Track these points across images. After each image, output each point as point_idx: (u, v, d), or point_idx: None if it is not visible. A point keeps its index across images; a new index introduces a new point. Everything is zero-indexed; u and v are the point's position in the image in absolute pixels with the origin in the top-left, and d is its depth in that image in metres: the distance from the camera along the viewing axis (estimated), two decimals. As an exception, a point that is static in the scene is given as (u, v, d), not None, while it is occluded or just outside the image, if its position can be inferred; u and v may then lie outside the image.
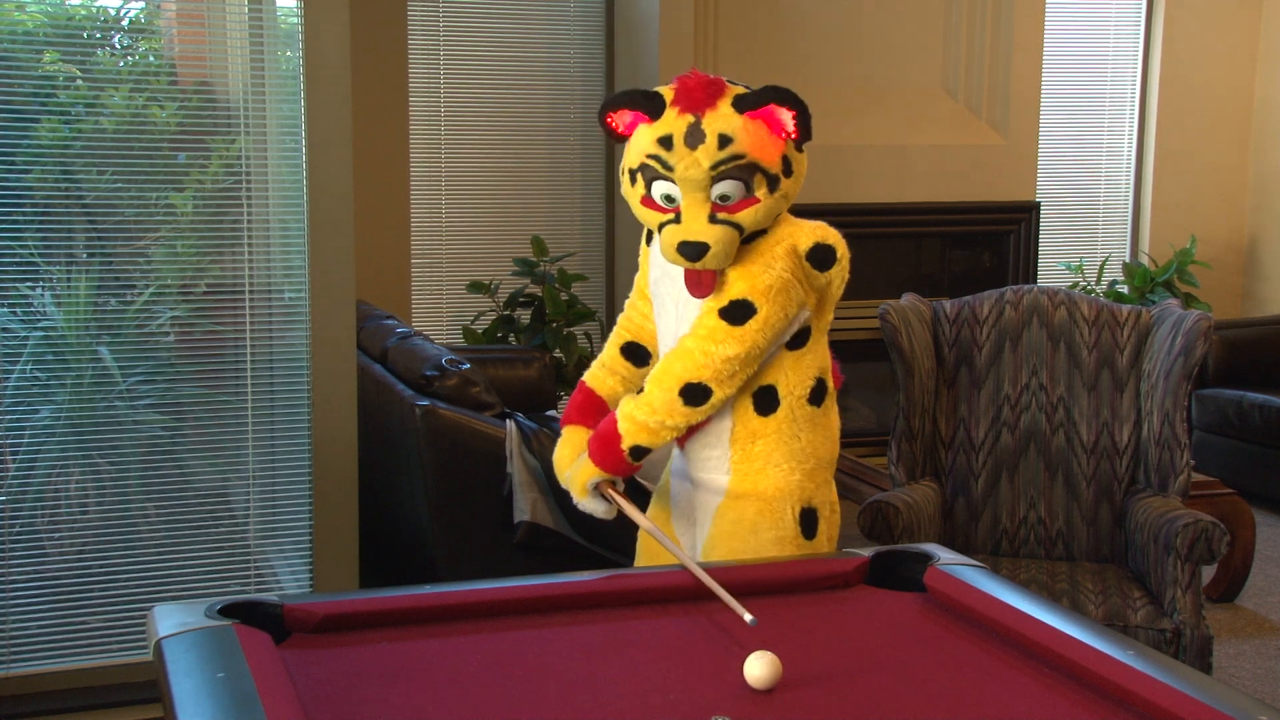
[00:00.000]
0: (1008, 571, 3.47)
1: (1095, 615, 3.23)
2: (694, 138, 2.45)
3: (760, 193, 2.48)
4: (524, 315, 5.89)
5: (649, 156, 2.50)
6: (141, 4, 3.60)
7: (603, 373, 2.77)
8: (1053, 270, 7.00)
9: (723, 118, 2.46)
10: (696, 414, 2.50)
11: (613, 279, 6.36)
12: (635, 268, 2.82)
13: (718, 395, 2.49)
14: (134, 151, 3.46)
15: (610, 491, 2.58)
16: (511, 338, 5.83)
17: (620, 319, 2.82)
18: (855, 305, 6.27)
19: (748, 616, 2.03)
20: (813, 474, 2.60)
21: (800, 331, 2.56)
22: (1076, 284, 6.76)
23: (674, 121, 2.48)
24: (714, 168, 2.45)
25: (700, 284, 2.52)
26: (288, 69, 3.46)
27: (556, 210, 6.32)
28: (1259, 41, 7.22)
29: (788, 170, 2.51)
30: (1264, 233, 7.24)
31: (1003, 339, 3.77)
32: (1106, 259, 7.00)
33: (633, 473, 2.59)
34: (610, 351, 2.79)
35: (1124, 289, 6.89)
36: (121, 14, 3.63)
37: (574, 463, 2.62)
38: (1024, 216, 6.34)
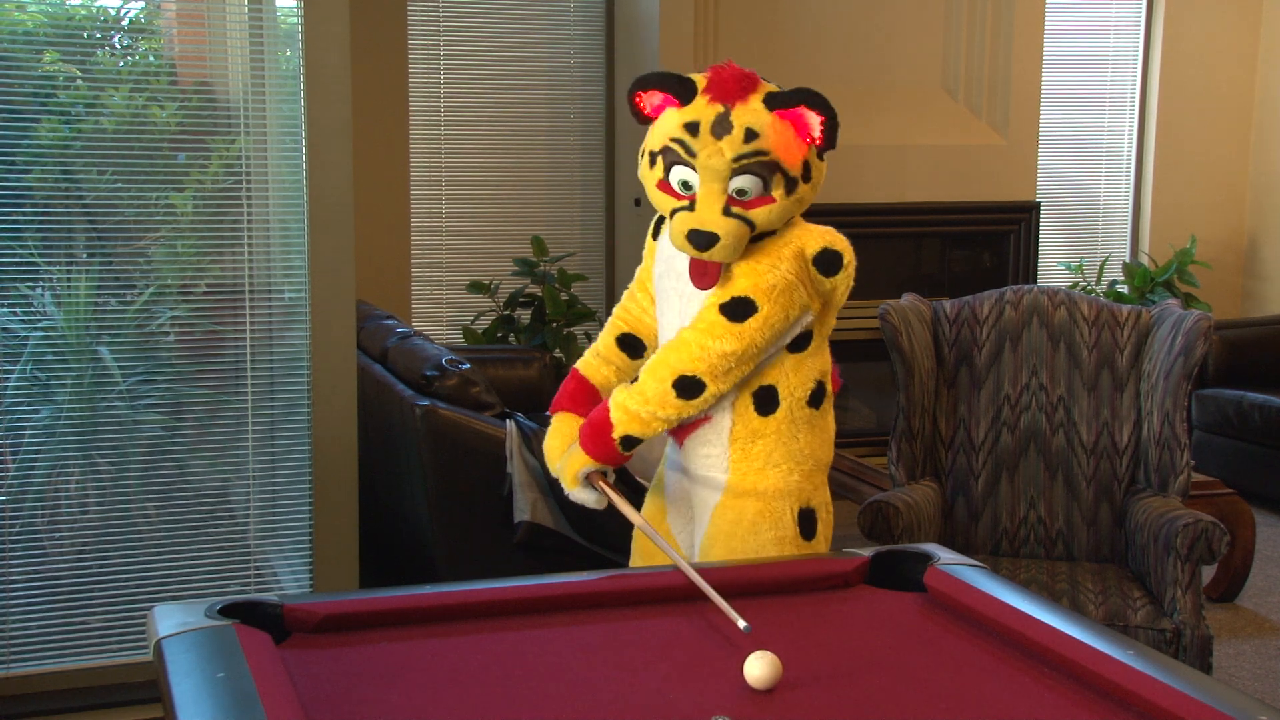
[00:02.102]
0: (1008, 571, 3.47)
1: (1095, 615, 3.23)
2: (721, 127, 2.44)
3: (777, 193, 2.47)
4: (524, 315, 5.89)
5: (673, 140, 2.49)
6: (141, 4, 3.59)
7: (597, 361, 2.74)
8: (1053, 270, 6.99)
9: (752, 112, 2.45)
10: (689, 407, 2.48)
11: (613, 279, 6.36)
12: (635, 267, 2.81)
13: (711, 390, 2.47)
14: (134, 151, 3.46)
15: (601, 483, 2.56)
16: (511, 338, 5.83)
17: (617, 309, 2.79)
18: (855, 305, 6.22)
19: (742, 624, 2.00)
20: (810, 475, 2.60)
21: (803, 335, 2.55)
22: (1076, 284, 6.76)
23: (703, 109, 2.47)
24: (736, 160, 2.43)
25: (704, 275, 2.49)
26: (288, 69, 3.46)
27: (556, 210, 6.32)
28: (1259, 41, 7.22)
29: (807, 175, 2.50)
30: (1264, 233, 7.24)
31: (1003, 339, 3.77)
32: (1106, 259, 7.00)
33: (623, 462, 2.56)
34: (606, 340, 2.76)
35: (1124, 289, 6.89)
36: (121, 14, 3.63)
37: (565, 452, 2.59)
38: (1024, 216, 6.34)
